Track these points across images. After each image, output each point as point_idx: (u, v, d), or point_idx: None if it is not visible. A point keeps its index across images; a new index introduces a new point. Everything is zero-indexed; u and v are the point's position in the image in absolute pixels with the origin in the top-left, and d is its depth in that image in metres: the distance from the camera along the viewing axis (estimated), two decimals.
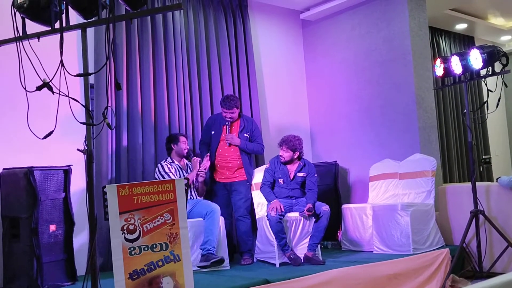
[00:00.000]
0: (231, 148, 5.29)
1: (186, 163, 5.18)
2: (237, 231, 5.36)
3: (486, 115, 5.41)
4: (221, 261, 4.54)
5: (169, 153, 5.14)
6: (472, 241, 5.19)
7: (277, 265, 4.80)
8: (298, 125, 6.79)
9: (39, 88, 3.02)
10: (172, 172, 4.97)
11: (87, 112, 3.19)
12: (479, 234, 5.06)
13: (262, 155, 5.79)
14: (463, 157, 7.85)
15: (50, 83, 3.00)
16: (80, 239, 4.72)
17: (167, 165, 5.01)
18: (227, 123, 5.30)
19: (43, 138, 3.20)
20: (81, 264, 4.38)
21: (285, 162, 5.17)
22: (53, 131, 3.13)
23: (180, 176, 4.97)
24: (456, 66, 5.10)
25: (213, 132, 5.34)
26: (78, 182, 4.69)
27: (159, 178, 4.93)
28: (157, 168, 5.03)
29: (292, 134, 5.26)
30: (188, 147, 5.17)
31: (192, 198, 5.01)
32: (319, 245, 4.95)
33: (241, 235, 5.25)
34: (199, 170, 5.08)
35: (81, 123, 3.21)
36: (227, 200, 5.33)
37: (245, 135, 5.35)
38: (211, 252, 4.55)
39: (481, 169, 7.88)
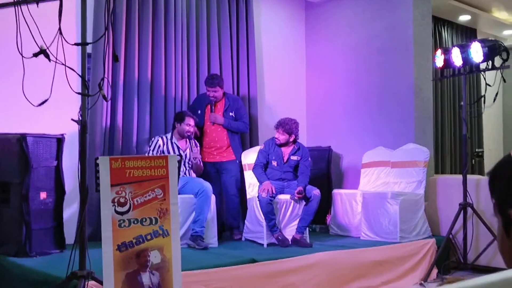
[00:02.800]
0: (218, 128, 5.32)
1: (187, 142, 5.12)
2: (228, 208, 5.42)
3: (483, 109, 5.42)
4: (206, 248, 4.55)
5: (173, 129, 5.10)
6: (459, 233, 5.25)
7: (265, 245, 4.84)
8: (294, 107, 6.78)
9: (35, 55, 3.00)
10: (155, 150, 4.92)
11: (83, 82, 3.17)
12: (466, 226, 5.11)
13: (246, 133, 5.79)
14: (456, 149, 7.87)
15: (47, 51, 2.98)
16: (70, 208, 4.73)
17: (160, 141, 4.96)
18: (211, 102, 5.32)
19: (37, 106, 3.19)
20: (70, 233, 4.39)
21: (280, 144, 5.17)
22: (48, 99, 3.12)
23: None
24: (457, 58, 5.09)
25: (199, 112, 5.35)
26: (71, 152, 4.69)
27: (147, 148, 4.95)
28: (152, 139, 5.01)
29: (289, 117, 5.26)
30: (191, 130, 5.06)
31: (185, 175, 5.01)
32: (307, 228, 4.99)
33: (232, 212, 5.36)
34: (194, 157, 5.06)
35: (76, 93, 3.20)
36: (216, 179, 5.38)
37: (230, 114, 5.37)
38: (200, 234, 4.60)
39: (473, 163, 7.91)
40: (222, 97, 5.39)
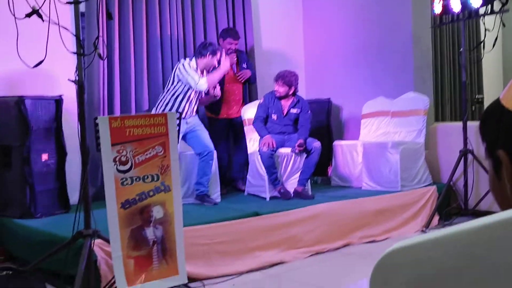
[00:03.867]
0: (237, 82, 5.43)
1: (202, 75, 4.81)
2: (237, 161, 5.59)
3: (482, 54, 5.37)
4: (215, 204, 4.61)
5: (197, 58, 4.71)
6: (460, 180, 5.28)
7: (267, 199, 4.89)
8: (292, 60, 6.71)
9: (28, 15, 2.96)
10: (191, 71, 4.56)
11: (77, 42, 3.14)
12: (467, 173, 5.15)
13: (255, 84, 5.90)
14: (456, 96, 7.84)
15: (40, 11, 2.94)
16: (73, 169, 4.75)
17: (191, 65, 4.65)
18: (235, 58, 5.37)
19: (33, 67, 3.17)
20: (73, 194, 4.43)
21: (280, 97, 5.15)
22: (43, 60, 3.10)
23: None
24: (455, 3, 5.01)
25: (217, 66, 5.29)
26: (70, 113, 4.68)
27: (183, 75, 4.59)
28: (179, 68, 4.63)
29: (288, 69, 5.23)
30: (216, 65, 4.82)
31: (186, 116, 4.68)
32: (309, 180, 5.03)
33: (241, 164, 5.53)
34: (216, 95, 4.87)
35: (71, 52, 3.17)
36: (228, 135, 5.50)
37: (243, 65, 5.50)
38: (206, 193, 4.63)
39: (473, 109, 7.90)
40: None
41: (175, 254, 2.95)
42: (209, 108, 5.39)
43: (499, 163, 0.71)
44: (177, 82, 4.65)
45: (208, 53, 4.68)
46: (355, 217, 4.62)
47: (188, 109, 4.71)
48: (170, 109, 4.61)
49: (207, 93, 4.90)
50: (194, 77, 4.58)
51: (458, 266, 0.56)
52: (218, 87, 4.90)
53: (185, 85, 4.64)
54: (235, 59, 5.39)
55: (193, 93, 4.70)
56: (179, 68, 4.64)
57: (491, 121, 0.73)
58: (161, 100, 4.74)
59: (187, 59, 4.78)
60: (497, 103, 0.72)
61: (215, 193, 4.80)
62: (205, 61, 4.69)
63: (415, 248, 0.59)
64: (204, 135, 4.81)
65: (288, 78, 5.09)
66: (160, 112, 4.60)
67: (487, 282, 0.54)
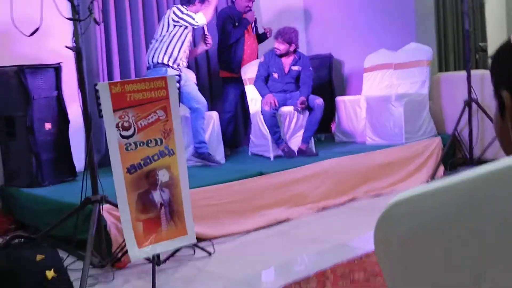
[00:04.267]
0: (254, 40, 5.45)
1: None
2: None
3: (485, 0, 5.26)
4: (219, 164, 4.63)
5: (187, 6, 4.56)
6: (464, 130, 5.26)
7: (271, 158, 4.90)
8: (292, 16, 6.60)
9: None
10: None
11: (72, 7, 3.10)
12: (472, 122, 5.12)
13: None
14: (459, 45, 7.73)
15: None
16: (77, 137, 4.76)
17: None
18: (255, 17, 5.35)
19: (30, 35, 3.14)
20: (79, 162, 4.45)
21: (281, 55, 5.09)
22: (39, 27, 3.06)
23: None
24: None
25: (236, 24, 5.22)
26: (70, 81, 4.65)
27: (180, 16, 4.49)
28: (173, 12, 4.50)
29: (288, 26, 5.15)
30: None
31: (182, 67, 4.66)
32: (312, 137, 5.02)
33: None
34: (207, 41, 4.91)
35: (67, 18, 3.13)
36: (239, 96, 5.47)
37: (255, 25, 5.51)
38: (206, 150, 4.60)
39: (477, 58, 7.80)
40: None
41: (183, 216, 2.99)
42: (227, 67, 5.33)
43: (503, 104, 0.71)
44: (174, 27, 4.51)
45: (197, 0, 4.60)
46: (360, 172, 4.63)
47: (184, 58, 4.66)
48: (168, 60, 4.51)
49: (204, 36, 4.91)
50: (190, 14, 4.51)
51: (459, 215, 0.56)
52: (210, 36, 4.89)
53: (183, 30, 4.53)
54: (255, 17, 5.33)
55: (188, 42, 4.63)
56: (173, 12, 4.51)
57: (500, 61, 0.73)
58: (155, 50, 4.53)
59: (178, 5, 4.66)
60: (508, 44, 0.72)
61: (219, 155, 4.81)
62: (194, 9, 4.60)
63: (416, 198, 0.59)
64: (195, 90, 4.70)
65: (288, 35, 5.01)
66: (156, 63, 4.53)
67: (488, 230, 0.54)
